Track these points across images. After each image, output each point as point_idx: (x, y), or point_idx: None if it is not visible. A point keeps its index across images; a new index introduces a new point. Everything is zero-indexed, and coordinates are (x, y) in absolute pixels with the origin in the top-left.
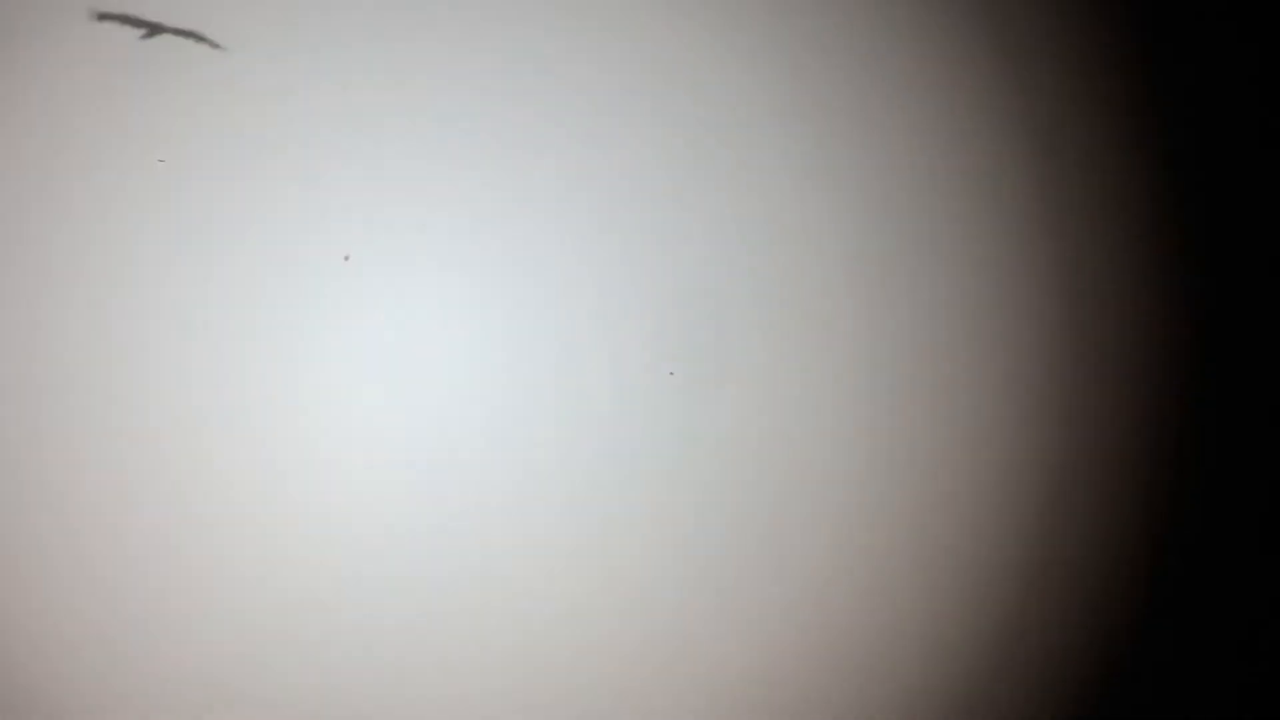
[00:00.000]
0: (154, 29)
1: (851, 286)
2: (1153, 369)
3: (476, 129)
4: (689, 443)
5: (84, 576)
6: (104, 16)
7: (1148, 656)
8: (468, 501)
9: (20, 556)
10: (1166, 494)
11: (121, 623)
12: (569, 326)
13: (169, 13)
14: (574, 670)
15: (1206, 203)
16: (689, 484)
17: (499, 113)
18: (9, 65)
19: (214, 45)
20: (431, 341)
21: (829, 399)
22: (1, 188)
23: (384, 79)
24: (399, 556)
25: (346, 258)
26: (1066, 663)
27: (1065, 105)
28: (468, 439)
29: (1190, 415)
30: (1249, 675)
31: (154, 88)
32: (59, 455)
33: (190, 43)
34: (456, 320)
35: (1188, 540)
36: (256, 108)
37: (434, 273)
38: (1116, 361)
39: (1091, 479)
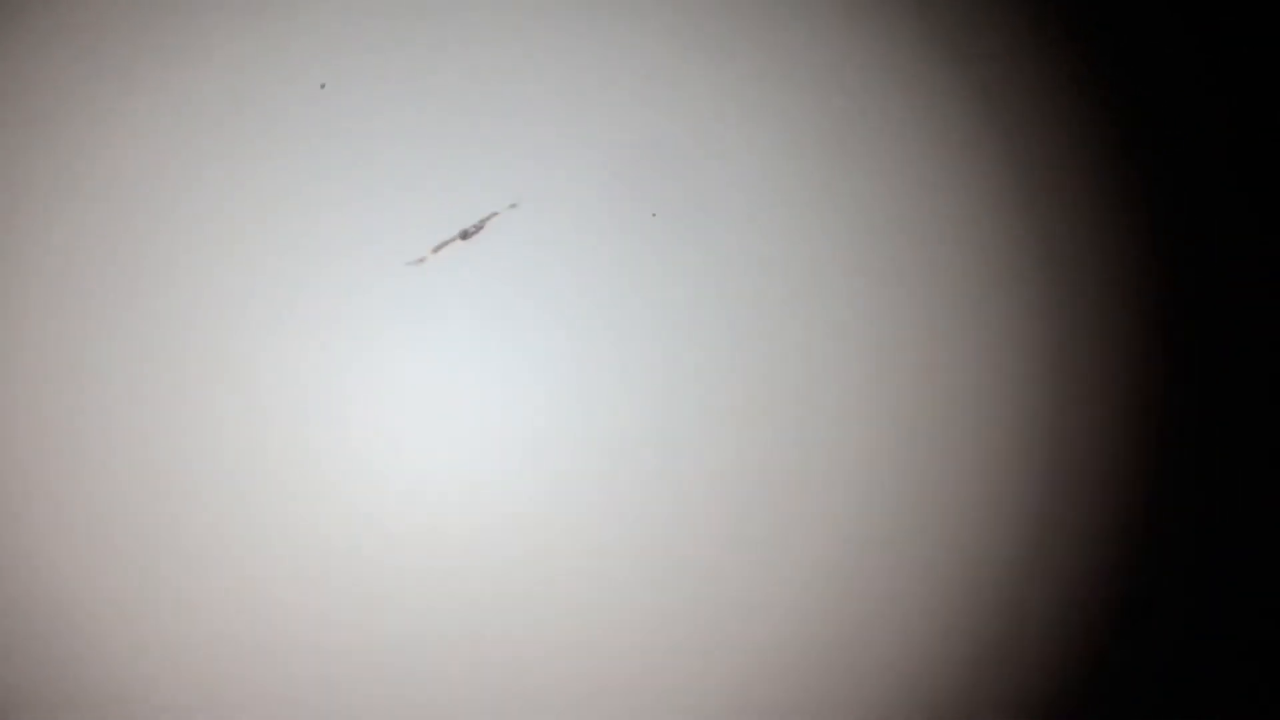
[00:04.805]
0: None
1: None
2: (1144, 370)
3: None
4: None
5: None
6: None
7: (1140, 654)
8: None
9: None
10: (1164, 494)
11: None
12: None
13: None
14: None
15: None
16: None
17: None
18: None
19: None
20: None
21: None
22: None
23: None
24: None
25: (323, 85)
26: (1060, 659)
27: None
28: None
29: (1188, 411)
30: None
31: None
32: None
33: None
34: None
35: (1183, 538)
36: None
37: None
38: (1105, 363)
39: (1081, 481)
